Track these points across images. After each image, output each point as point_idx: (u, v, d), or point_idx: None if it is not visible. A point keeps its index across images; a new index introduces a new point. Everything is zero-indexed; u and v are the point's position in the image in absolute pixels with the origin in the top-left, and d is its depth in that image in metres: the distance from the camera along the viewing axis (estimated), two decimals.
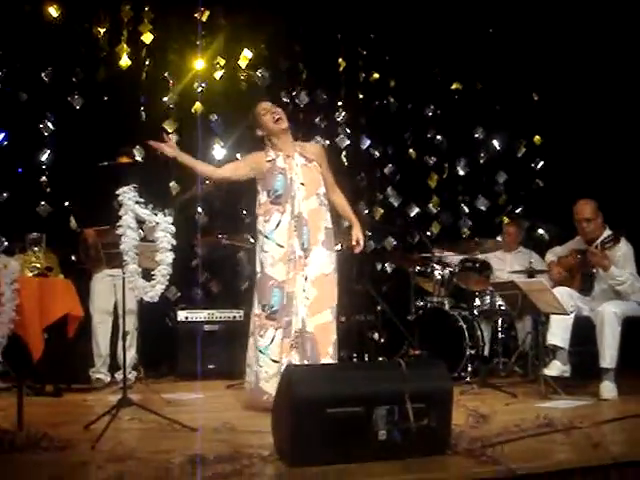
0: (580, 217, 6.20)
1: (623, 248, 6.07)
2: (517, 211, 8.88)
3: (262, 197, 5.32)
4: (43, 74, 7.77)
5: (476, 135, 8.99)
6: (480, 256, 7.33)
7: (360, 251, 5.43)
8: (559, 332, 5.92)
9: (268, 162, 5.29)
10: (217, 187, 7.68)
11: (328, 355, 5.04)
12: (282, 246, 5.14)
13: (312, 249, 5.12)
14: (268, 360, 5.12)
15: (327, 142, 8.37)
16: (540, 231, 8.68)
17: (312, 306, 5.06)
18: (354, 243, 5.35)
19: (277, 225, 5.18)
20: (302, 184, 5.19)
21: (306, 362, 4.99)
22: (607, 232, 6.11)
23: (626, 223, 6.21)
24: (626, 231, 6.04)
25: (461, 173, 9.00)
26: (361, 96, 8.80)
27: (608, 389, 5.70)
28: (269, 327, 5.13)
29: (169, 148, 5.13)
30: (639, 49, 7.67)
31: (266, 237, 5.20)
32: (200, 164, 5.40)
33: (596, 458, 3.79)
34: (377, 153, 8.77)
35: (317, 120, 8.60)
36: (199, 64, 8.21)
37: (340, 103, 8.69)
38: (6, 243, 7.42)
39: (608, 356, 5.75)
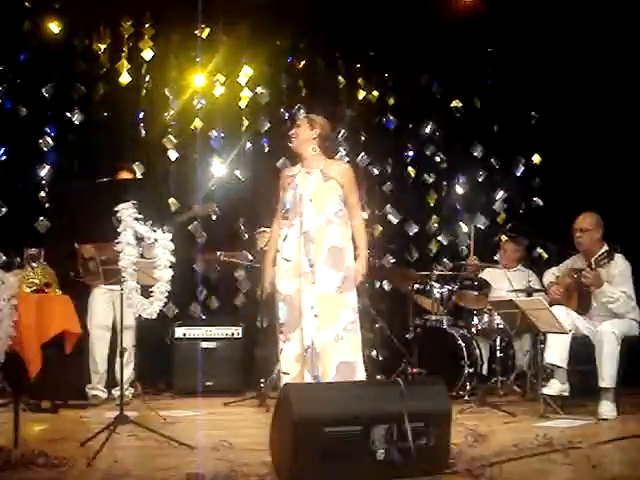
0: (575, 227, 6.21)
1: (620, 265, 6.06)
2: (516, 230, 8.85)
3: (279, 212, 5.36)
4: (43, 90, 7.79)
5: (475, 153, 8.99)
6: (479, 274, 7.36)
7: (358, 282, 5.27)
8: (557, 351, 5.91)
9: (289, 177, 5.31)
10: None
11: (330, 377, 4.93)
12: (288, 260, 5.13)
13: (317, 267, 5.09)
14: (281, 372, 5.15)
15: None
16: (539, 250, 8.67)
17: (318, 324, 5.03)
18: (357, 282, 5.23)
19: (284, 239, 5.18)
20: (310, 200, 5.17)
21: (314, 380, 4.96)
22: (605, 248, 6.11)
23: (626, 240, 6.20)
24: (620, 247, 6.02)
25: (460, 191, 8.99)
26: (360, 113, 8.81)
27: (607, 409, 5.69)
28: (279, 340, 5.15)
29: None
30: (636, 67, 7.69)
31: (277, 251, 5.21)
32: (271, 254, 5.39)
33: (595, 478, 3.78)
34: (376, 171, 8.76)
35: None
36: (199, 80, 8.23)
37: (339, 120, 8.69)
38: (4, 258, 7.42)
39: (607, 376, 5.74)
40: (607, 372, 5.74)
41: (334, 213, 5.17)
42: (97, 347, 6.62)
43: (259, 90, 8.45)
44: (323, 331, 4.97)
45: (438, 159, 8.95)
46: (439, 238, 8.85)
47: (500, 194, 9.02)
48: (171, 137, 8.12)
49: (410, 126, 8.95)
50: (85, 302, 6.67)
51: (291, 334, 5.08)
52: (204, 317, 7.89)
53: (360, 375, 5.03)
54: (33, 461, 3.99)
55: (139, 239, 4.56)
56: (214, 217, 8.07)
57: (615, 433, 4.98)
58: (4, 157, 7.73)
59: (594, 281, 5.98)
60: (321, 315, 5.00)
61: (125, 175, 6.63)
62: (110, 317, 6.63)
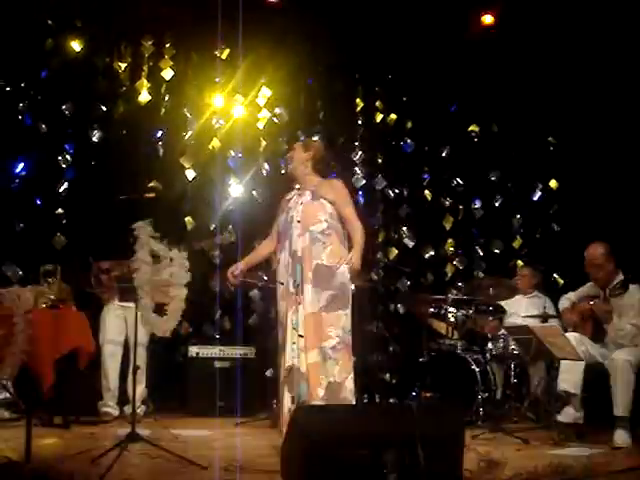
0: (589, 263, 6.16)
1: (634, 296, 6.01)
2: (532, 255, 8.84)
3: (271, 233, 5.40)
4: (63, 107, 7.85)
5: (492, 177, 8.99)
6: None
7: (355, 275, 5.17)
8: (570, 378, 5.87)
9: (286, 200, 5.33)
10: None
11: (318, 398, 4.84)
12: (282, 283, 5.14)
13: (304, 287, 5.06)
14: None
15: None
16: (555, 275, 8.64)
17: (304, 345, 4.98)
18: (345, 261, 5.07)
19: (279, 263, 5.21)
20: (298, 221, 5.16)
21: (295, 401, 4.90)
22: (620, 277, 6.07)
23: None
24: (634, 276, 5.99)
25: (476, 215, 8.98)
26: (378, 136, 8.83)
27: (622, 437, 5.62)
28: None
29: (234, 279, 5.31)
30: None
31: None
32: (255, 254, 5.49)
33: None
34: (392, 193, 8.77)
35: (333, 159, 8.62)
36: (218, 101, 8.27)
37: (357, 143, 8.73)
38: (20, 273, 7.45)
39: (622, 404, 5.68)
40: (622, 400, 5.68)
41: (320, 232, 5.10)
42: (109, 364, 6.62)
43: (277, 111, 8.49)
44: (310, 351, 4.93)
45: (455, 183, 8.96)
46: (454, 262, 8.83)
47: (517, 219, 9.01)
48: (189, 156, 8.16)
49: (427, 149, 8.97)
50: (99, 318, 6.69)
51: (281, 355, 5.08)
52: (218, 336, 7.89)
53: (348, 395, 4.97)
54: (44, 476, 3.98)
55: (155, 257, 4.57)
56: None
57: (630, 462, 4.92)
58: (23, 172, 7.78)
59: (602, 315, 5.96)
60: (307, 335, 4.95)
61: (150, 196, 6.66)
62: (122, 334, 6.64)
